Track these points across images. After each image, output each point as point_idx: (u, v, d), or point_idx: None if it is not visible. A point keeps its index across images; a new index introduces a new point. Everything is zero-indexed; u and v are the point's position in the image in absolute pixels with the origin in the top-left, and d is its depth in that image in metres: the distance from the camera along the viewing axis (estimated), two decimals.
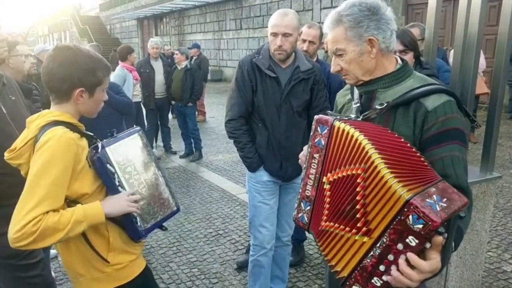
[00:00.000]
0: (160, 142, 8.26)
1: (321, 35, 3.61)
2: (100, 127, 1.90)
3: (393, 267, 1.28)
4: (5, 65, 3.14)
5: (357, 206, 1.39)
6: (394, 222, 1.27)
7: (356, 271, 1.39)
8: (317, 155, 1.57)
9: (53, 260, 3.93)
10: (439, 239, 1.23)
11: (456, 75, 2.75)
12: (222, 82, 20.28)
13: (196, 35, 23.10)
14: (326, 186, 1.53)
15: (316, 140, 1.57)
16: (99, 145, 1.72)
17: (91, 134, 1.81)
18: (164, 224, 1.99)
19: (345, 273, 1.43)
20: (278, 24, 2.71)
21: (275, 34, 2.73)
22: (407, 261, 1.26)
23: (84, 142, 1.73)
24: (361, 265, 1.38)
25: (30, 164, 1.61)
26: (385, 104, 1.58)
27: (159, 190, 1.91)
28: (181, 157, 7.85)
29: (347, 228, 1.43)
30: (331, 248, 1.50)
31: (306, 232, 3.92)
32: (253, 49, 17.84)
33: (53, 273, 3.20)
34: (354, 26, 1.56)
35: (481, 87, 6.65)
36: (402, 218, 1.24)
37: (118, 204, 1.71)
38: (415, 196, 1.23)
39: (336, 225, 1.47)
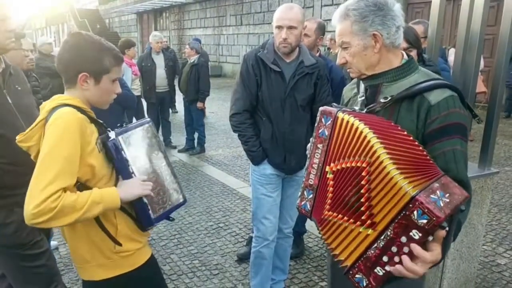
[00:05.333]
0: (160, 136, 8.28)
1: (318, 29, 3.63)
2: (101, 119, 1.89)
3: (396, 259, 1.33)
4: None
5: (362, 199, 1.42)
6: (399, 217, 1.31)
7: (359, 261, 1.43)
8: (321, 145, 1.61)
9: (54, 251, 3.94)
10: (442, 233, 1.29)
11: (458, 73, 2.81)
12: (221, 77, 20.29)
13: (196, 30, 23.06)
14: (330, 176, 1.57)
15: (320, 130, 1.61)
16: (113, 133, 1.73)
17: (101, 122, 1.82)
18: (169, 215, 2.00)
19: (348, 263, 1.47)
20: (283, 17, 2.74)
21: (280, 27, 2.75)
22: (410, 253, 1.31)
23: (93, 127, 1.74)
24: (365, 256, 1.42)
25: (42, 143, 1.61)
26: (390, 98, 1.61)
27: (168, 180, 1.93)
28: (179, 151, 7.88)
29: (351, 220, 1.46)
30: (334, 237, 1.53)
31: (306, 226, 4.02)
32: (253, 45, 17.86)
33: None
34: (359, 20, 1.60)
35: (479, 86, 6.72)
36: (407, 213, 1.28)
37: (132, 187, 1.71)
38: (420, 192, 1.27)
39: (340, 215, 1.51)
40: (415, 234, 1.28)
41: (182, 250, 4.14)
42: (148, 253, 1.96)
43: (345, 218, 1.49)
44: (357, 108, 1.72)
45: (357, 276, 1.45)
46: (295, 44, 2.80)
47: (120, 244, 1.78)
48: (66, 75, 1.75)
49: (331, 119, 1.57)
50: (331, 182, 1.56)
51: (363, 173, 1.43)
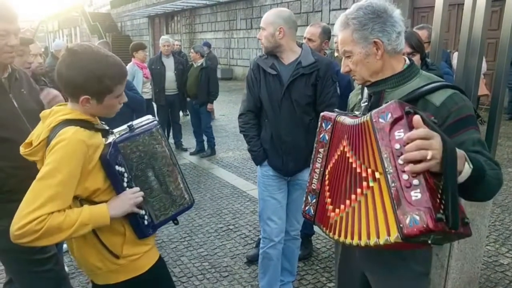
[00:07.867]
0: (171, 139, 8.36)
1: (323, 33, 3.67)
2: (110, 123, 1.87)
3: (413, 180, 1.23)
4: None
5: (357, 170, 1.42)
6: (378, 139, 1.32)
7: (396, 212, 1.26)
8: (322, 149, 1.63)
9: (65, 254, 3.96)
10: (416, 117, 1.25)
11: (460, 77, 2.84)
12: (232, 80, 20.35)
13: (206, 34, 23.15)
14: (326, 176, 1.60)
15: (321, 135, 1.64)
16: (111, 142, 1.69)
17: (107, 128, 1.79)
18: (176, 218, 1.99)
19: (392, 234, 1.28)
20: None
21: None
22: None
23: (98, 138, 1.70)
24: (393, 200, 1.26)
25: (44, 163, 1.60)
26: None
27: (173, 186, 1.90)
28: (191, 154, 7.94)
29: (353, 196, 1.41)
30: (357, 227, 1.40)
31: (314, 227, 4.04)
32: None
33: (65, 267, 3.20)
34: (359, 29, 1.61)
35: (482, 89, 6.74)
36: (380, 127, 1.31)
37: (122, 204, 1.69)
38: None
39: (342, 206, 1.47)
40: (397, 134, 1.28)
41: (192, 252, 4.18)
42: (156, 255, 1.97)
43: (347, 202, 1.44)
44: (357, 113, 1.72)
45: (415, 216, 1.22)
46: (267, 44, 2.88)
47: (117, 257, 1.78)
48: (65, 92, 1.71)
49: (331, 124, 1.60)
50: (328, 181, 1.58)
51: (348, 154, 1.46)
